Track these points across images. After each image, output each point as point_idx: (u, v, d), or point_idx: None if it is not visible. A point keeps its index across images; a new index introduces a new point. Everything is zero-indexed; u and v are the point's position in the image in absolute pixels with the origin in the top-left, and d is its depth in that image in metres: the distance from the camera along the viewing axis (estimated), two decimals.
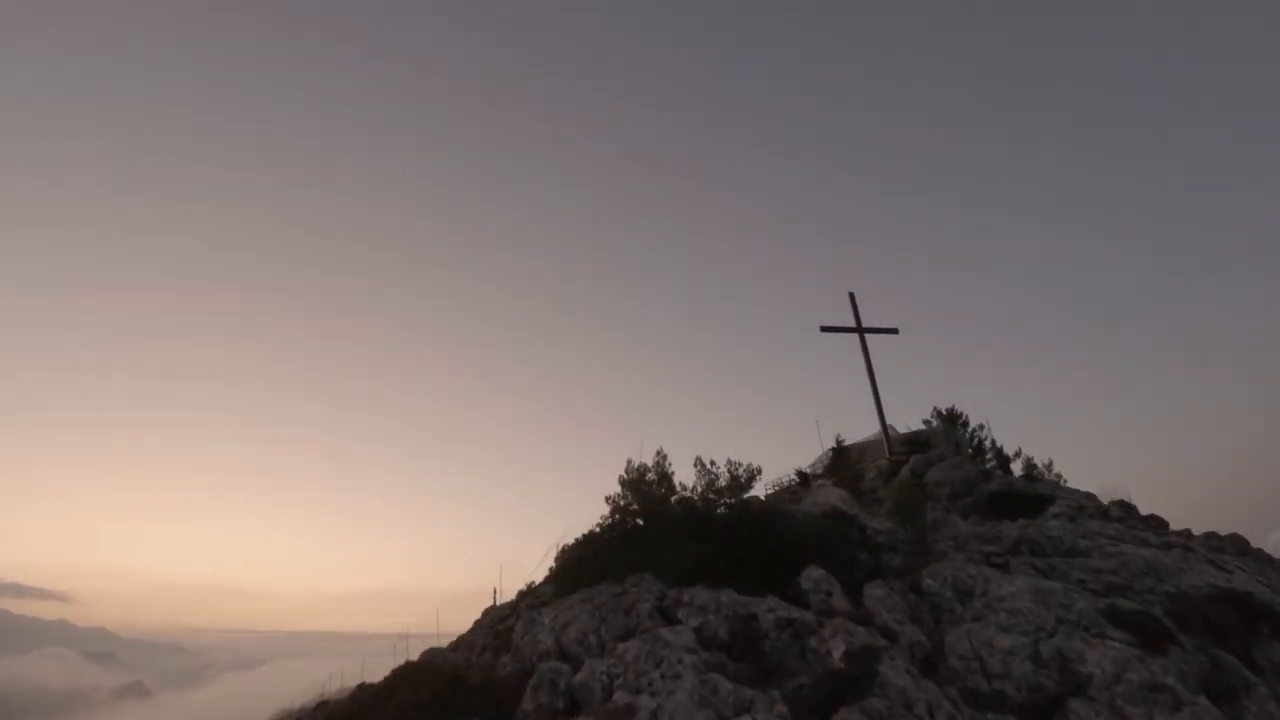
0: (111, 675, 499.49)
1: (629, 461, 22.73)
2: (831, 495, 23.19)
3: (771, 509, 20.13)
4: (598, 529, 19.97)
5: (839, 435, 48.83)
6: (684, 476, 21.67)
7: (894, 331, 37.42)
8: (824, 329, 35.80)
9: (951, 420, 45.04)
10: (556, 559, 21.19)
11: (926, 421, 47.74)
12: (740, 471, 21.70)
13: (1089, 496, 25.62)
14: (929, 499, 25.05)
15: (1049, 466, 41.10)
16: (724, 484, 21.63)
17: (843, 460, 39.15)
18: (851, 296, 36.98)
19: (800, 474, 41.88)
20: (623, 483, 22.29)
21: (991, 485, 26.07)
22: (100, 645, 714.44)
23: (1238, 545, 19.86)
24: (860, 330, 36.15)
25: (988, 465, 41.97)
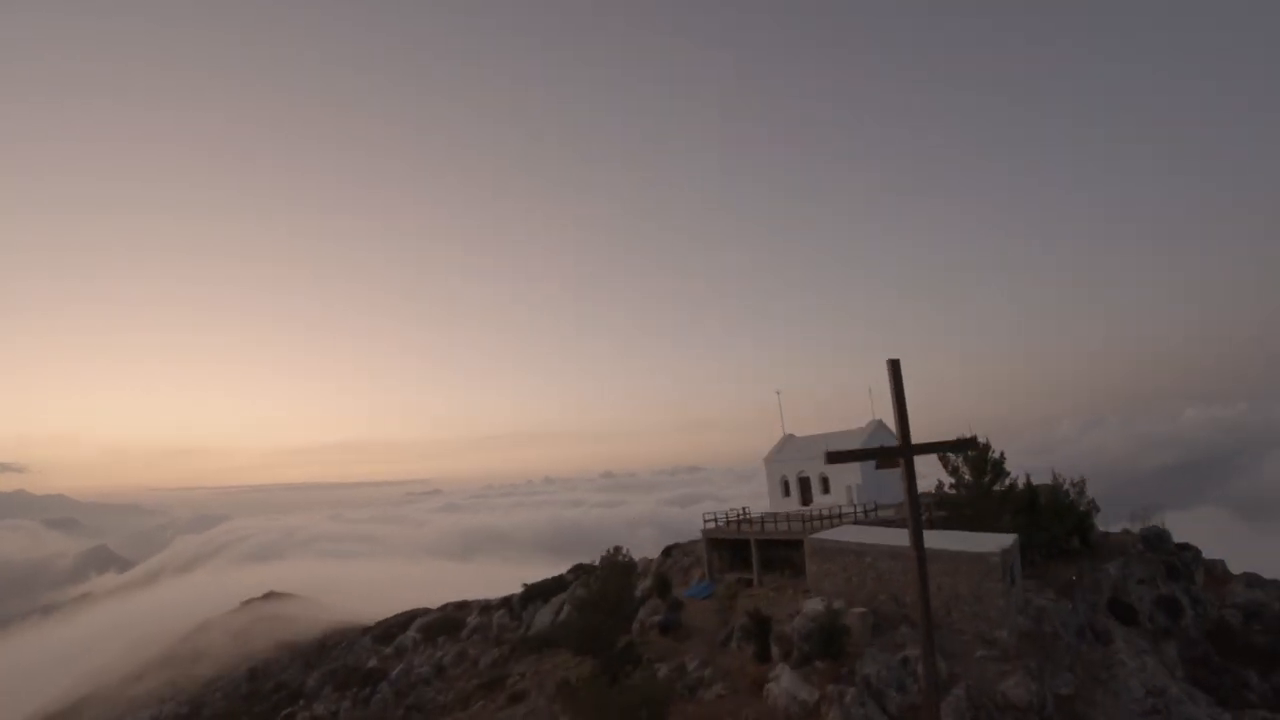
0: (75, 541, 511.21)
1: None
2: None
3: None
4: None
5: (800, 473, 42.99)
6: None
7: (971, 445, 20.34)
8: (831, 457, 15.16)
9: (983, 462, 36.03)
10: None
11: (944, 455, 37.44)
12: None
13: None
14: None
15: (1080, 489, 35.82)
16: None
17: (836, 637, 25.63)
18: (894, 368, 15.82)
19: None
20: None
21: None
22: (60, 512, 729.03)
23: None
24: (906, 452, 15.61)
25: (1009, 484, 35.41)
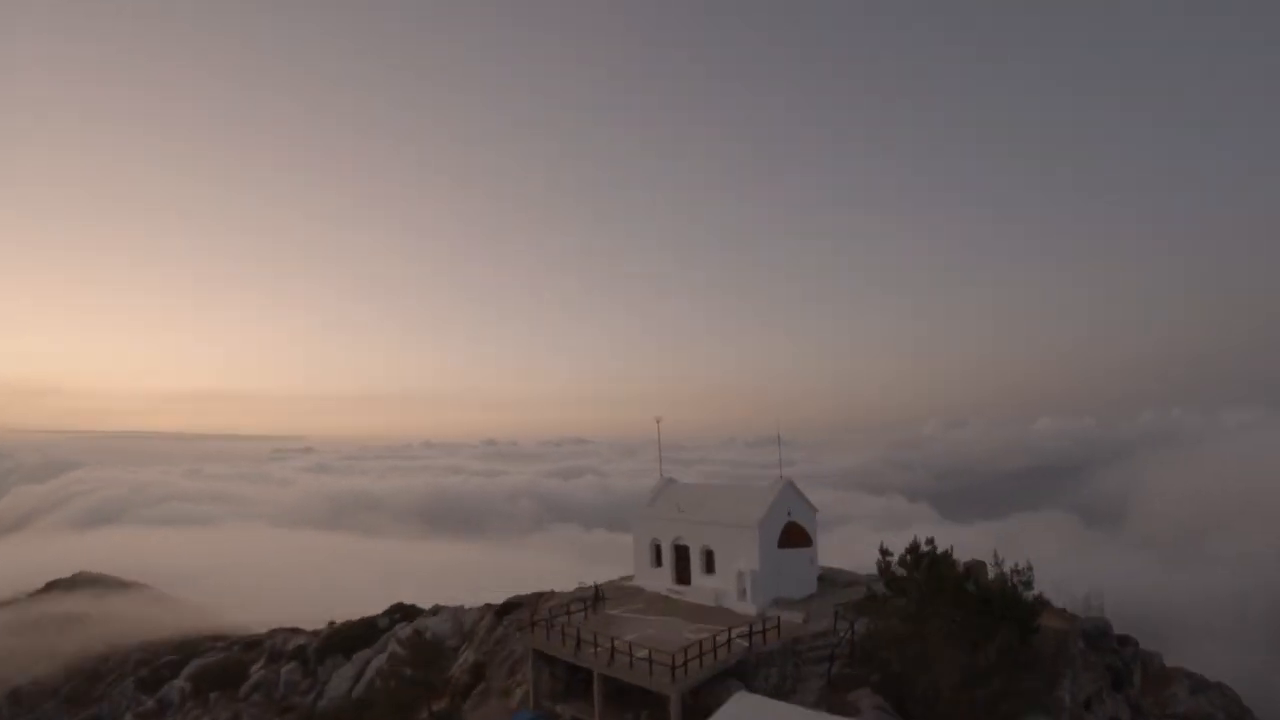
0: None
1: None
2: None
3: None
4: None
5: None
6: None
7: None
8: None
9: (933, 575, 28.25)
10: None
11: (882, 560, 29.93)
12: None
13: None
14: None
15: (1027, 578, 30.22)
16: None
17: None
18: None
19: None
20: None
21: None
22: None
23: None
24: None
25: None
